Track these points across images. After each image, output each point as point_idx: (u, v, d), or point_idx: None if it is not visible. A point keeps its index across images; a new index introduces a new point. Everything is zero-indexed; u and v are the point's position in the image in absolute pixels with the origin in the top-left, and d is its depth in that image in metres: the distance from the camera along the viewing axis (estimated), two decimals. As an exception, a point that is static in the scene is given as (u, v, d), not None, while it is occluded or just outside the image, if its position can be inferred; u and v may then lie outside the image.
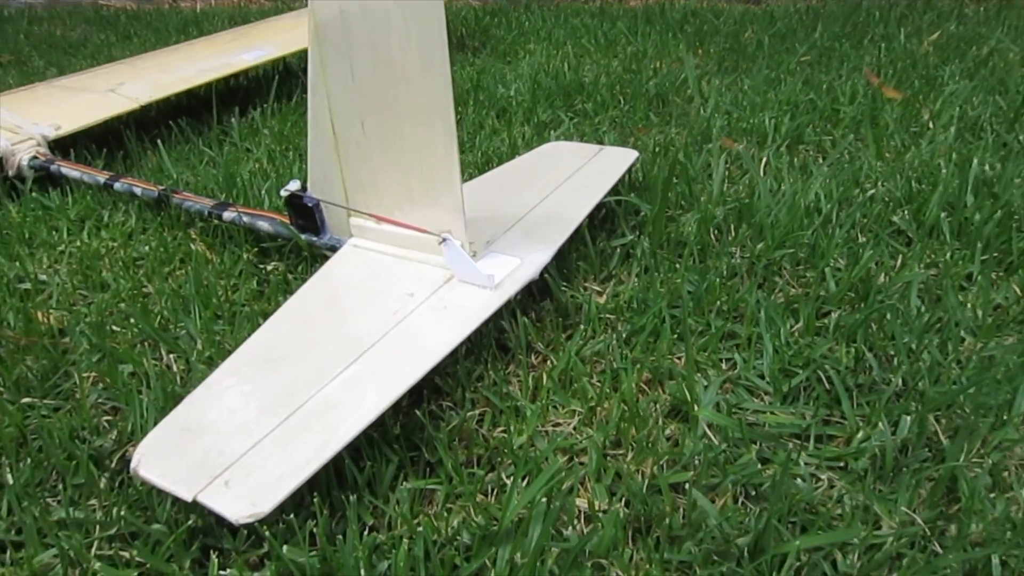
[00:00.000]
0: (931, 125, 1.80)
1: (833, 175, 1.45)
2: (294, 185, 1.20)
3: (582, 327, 1.09)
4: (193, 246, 1.34)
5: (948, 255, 1.18)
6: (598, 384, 0.97)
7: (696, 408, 0.90)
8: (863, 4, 3.25)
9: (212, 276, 1.23)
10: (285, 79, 2.44)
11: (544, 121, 1.98)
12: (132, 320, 1.13)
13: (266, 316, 1.08)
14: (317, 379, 0.88)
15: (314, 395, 0.86)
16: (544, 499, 0.75)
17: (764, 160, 1.59)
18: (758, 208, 1.29)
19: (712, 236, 1.28)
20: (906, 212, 1.31)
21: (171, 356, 1.07)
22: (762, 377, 0.98)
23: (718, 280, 1.13)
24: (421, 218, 1.09)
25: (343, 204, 1.15)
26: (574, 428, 0.91)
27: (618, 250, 1.24)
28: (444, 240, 1.03)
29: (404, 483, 0.84)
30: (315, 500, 0.76)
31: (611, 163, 1.40)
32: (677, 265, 1.20)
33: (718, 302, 1.11)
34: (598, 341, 1.05)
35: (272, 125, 2.01)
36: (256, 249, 1.30)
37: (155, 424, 0.83)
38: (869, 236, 1.25)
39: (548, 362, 1.04)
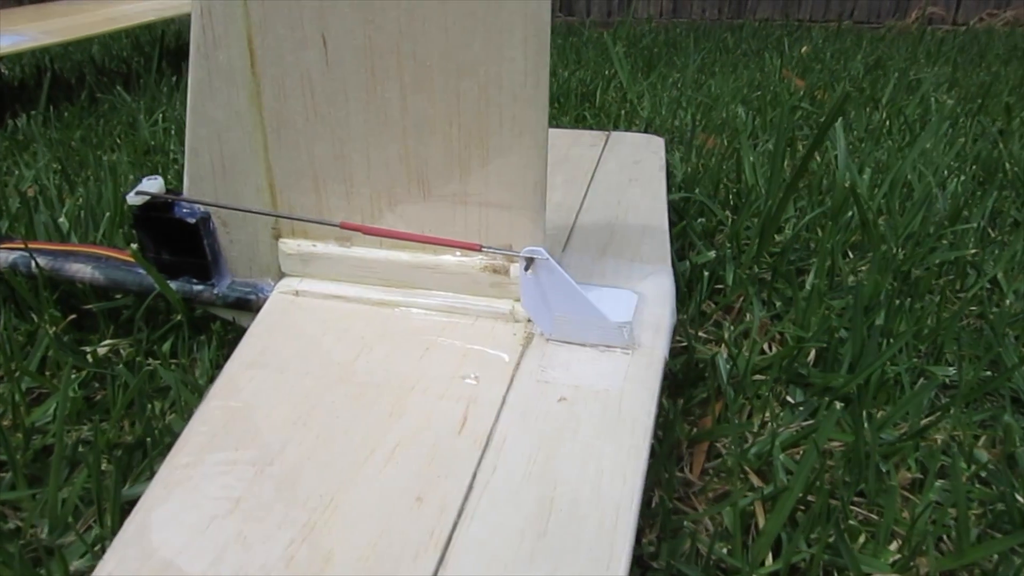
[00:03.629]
0: (887, 120, 1.59)
1: (892, 165, 1.13)
2: (152, 185, 0.61)
3: (737, 399, 0.62)
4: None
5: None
6: (864, 507, 0.51)
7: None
8: (703, 27, 3.19)
9: (-26, 380, 0.59)
10: (59, 81, 1.71)
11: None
12: None
13: (117, 455, 0.49)
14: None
15: None
16: None
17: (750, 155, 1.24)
18: (864, 202, 0.92)
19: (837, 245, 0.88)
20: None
21: None
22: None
23: (903, 303, 0.72)
24: (443, 223, 0.56)
25: (265, 210, 0.59)
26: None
27: (705, 273, 0.80)
28: (532, 261, 0.52)
29: None
30: None
31: (640, 151, 0.96)
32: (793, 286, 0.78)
33: (909, 340, 0.70)
34: (786, 423, 0.59)
35: (50, 136, 1.32)
36: (72, 317, 0.67)
37: None
38: (1004, 233, 0.92)
39: (725, 475, 0.55)
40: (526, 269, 0.51)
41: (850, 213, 0.87)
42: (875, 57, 2.33)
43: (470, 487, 0.40)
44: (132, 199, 0.60)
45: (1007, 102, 1.55)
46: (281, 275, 0.62)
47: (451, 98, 0.51)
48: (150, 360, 0.65)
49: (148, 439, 0.54)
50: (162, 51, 1.73)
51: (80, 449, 0.54)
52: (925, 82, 1.65)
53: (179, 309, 0.64)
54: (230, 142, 0.57)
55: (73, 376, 0.61)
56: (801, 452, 0.57)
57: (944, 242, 0.87)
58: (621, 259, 0.66)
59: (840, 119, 1.42)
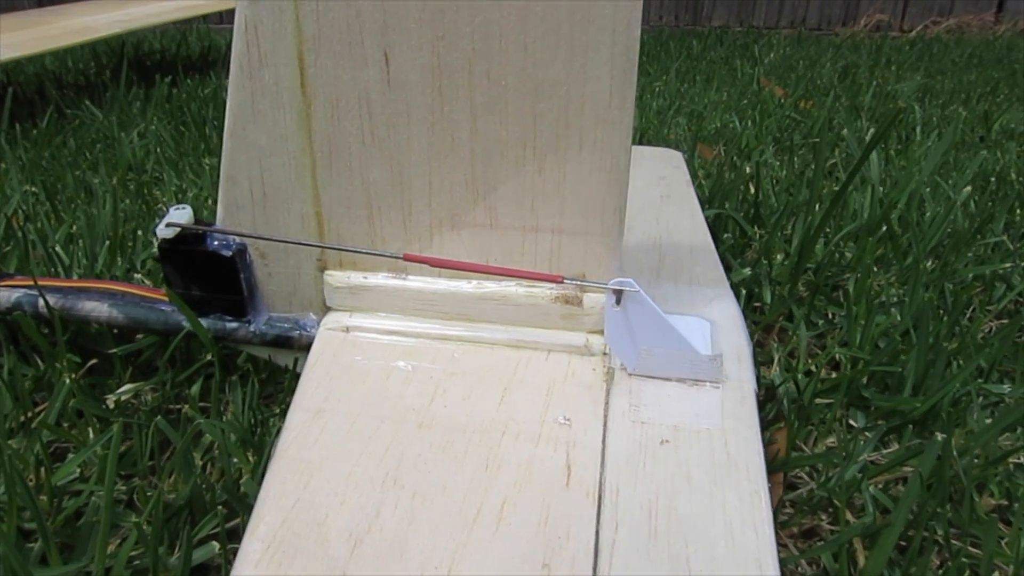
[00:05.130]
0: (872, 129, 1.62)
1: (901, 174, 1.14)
2: (180, 215, 0.56)
3: (804, 426, 0.61)
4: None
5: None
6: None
7: None
8: (666, 33, 3.23)
9: (-13, 437, 0.53)
10: (17, 96, 1.61)
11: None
12: None
13: (158, 515, 0.45)
14: None
15: None
16: None
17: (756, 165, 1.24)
18: (892, 211, 0.91)
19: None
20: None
21: None
22: None
23: (957, 320, 0.71)
24: (510, 251, 0.53)
25: (318, 242, 0.55)
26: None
27: (743, 290, 0.78)
28: (620, 294, 0.48)
29: None
30: None
31: (663, 166, 0.94)
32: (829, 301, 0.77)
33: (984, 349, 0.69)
34: (860, 450, 0.57)
35: (19, 155, 1.23)
36: (91, 363, 0.61)
37: None
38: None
39: (808, 509, 0.53)
40: (617, 302, 0.48)
41: (883, 228, 0.87)
42: (842, 65, 2.38)
43: (596, 550, 0.37)
44: (162, 231, 0.55)
45: (985, 110, 1.59)
46: (326, 309, 0.58)
47: (527, 120, 0.48)
48: (183, 406, 0.59)
49: (198, 499, 0.49)
50: (129, 63, 1.64)
51: (125, 512, 0.49)
52: (902, 92, 1.68)
53: (210, 349, 0.59)
54: (273, 168, 0.53)
55: (98, 426, 0.56)
56: (883, 482, 0.55)
57: (969, 255, 0.87)
58: (679, 283, 0.63)
59: (841, 131, 1.43)
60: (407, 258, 0.52)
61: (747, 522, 0.39)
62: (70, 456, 0.54)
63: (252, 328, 0.59)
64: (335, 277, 0.56)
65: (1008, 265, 0.80)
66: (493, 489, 0.41)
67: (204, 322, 0.59)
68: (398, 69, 0.48)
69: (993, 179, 1.06)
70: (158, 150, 1.18)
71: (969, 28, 4.24)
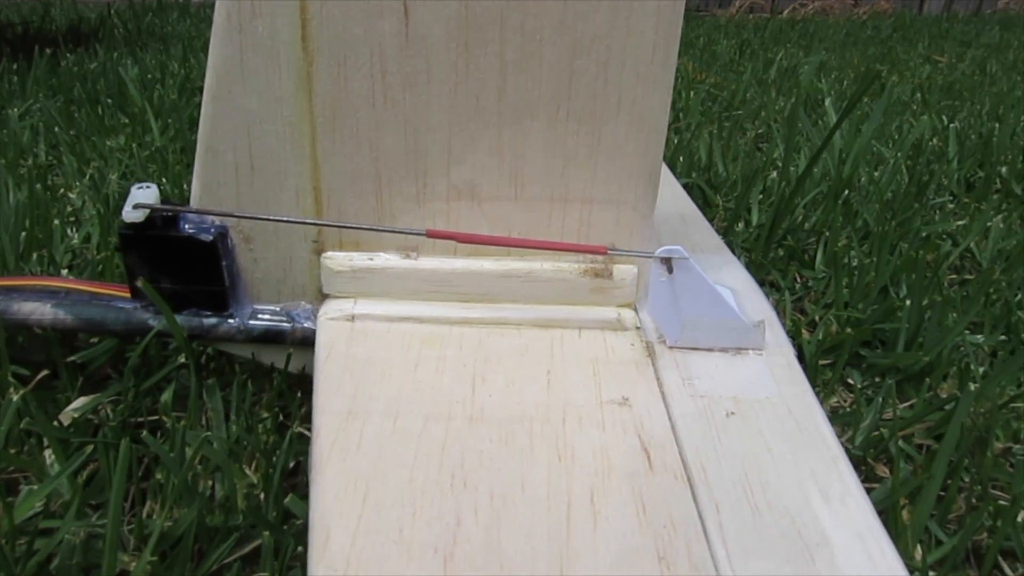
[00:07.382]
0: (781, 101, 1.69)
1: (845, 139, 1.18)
2: (147, 195, 0.48)
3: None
4: None
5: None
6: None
7: None
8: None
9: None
10: None
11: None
12: None
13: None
14: None
15: None
16: None
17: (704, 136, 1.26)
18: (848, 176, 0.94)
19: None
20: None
21: None
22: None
23: (934, 278, 0.74)
24: (536, 223, 0.49)
25: (318, 220, 0.48)
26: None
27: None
28: (670, 261, 0.46)
29: None
30: None
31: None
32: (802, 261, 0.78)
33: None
34: (866, 407, 0.58)
35: None
36: (42, 376, 0.51)
37: None
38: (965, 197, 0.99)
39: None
40: (669, 271, 0.45)
41: (847, 192, 0.89)
42: (737, 42, 2.48)
43: (706, 534, 0.34)
44: (130, 215, 0.47)
45: (883, 83, 1.69)
46: (322, 297, 0.51)
47: (562, 79, 0.44)
48: (152, 418, 0.51)
49: (202, 525, 0.42)
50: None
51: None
52: (808, 67, 1.76)
53: (185, 350, 0.51)
54: (264, 137, 0.46)
55: (60, 450, 0.47)
56: (903, 437, 0.56)
57: (915, 215, 0.91)
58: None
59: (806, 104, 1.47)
60: (431, 234, 0.46)
61: (844, 491, 0.37)
62: (26, 488, 0.46)
63: (235, 323, 0.52)
64: (335, 260, 0.50)
65: (961, 223, 0.84)
66: (576, 481, 0.37)
67: (180, 318, 0.51)
68: (419, 21, 0.43)
69: (932, 142, 1.12)
70: (56, 130, 1.03)
71: (832, 10, 4.55)
